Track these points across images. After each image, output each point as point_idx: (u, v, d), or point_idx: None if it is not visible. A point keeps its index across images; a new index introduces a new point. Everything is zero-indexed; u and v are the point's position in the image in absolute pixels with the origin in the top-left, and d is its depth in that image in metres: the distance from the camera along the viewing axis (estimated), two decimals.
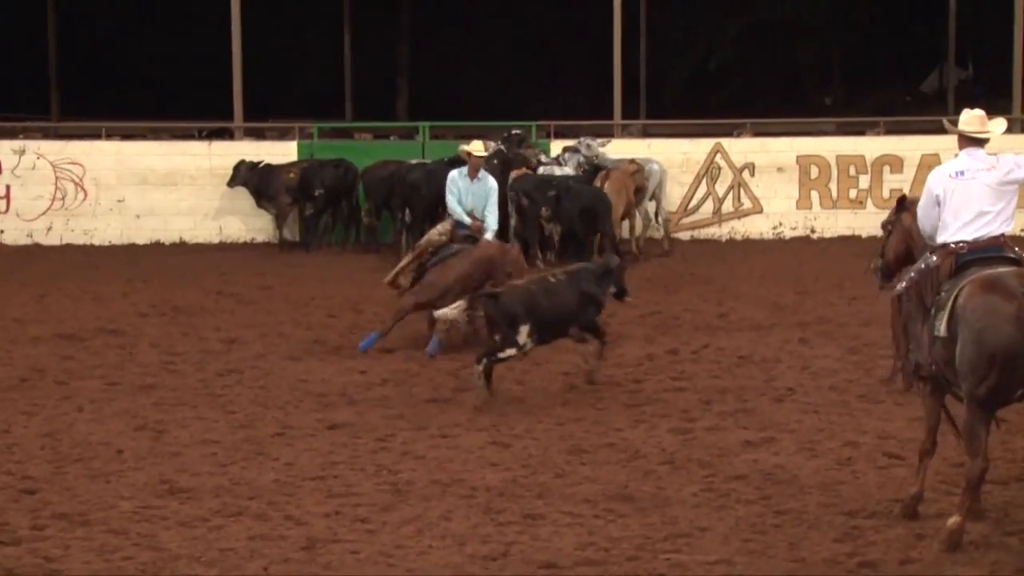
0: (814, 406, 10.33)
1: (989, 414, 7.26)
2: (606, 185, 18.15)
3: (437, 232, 12.85)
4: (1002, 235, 7.53)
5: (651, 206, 19.54)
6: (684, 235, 20.40)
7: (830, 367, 11.64)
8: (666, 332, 13.37)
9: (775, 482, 8.41)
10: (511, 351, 10.67)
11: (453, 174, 13.06)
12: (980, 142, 7.74)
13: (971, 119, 7.77)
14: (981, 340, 7.08)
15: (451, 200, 12.98)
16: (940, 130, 25.40)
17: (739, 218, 20.78)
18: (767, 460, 8.86)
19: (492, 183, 13.16)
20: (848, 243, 19.93)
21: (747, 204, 20.82)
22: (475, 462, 8.96)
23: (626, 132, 21.88)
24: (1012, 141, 20.98)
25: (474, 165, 13.00)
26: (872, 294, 15.03)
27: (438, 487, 8.40)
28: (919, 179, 20.43)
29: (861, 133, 22.13)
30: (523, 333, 10.66)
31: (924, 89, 39.76)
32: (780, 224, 20.78)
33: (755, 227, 20.82)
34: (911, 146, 20.77)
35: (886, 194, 20.57)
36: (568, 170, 18.77)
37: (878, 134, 21.76)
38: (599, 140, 19.67)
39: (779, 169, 20.71)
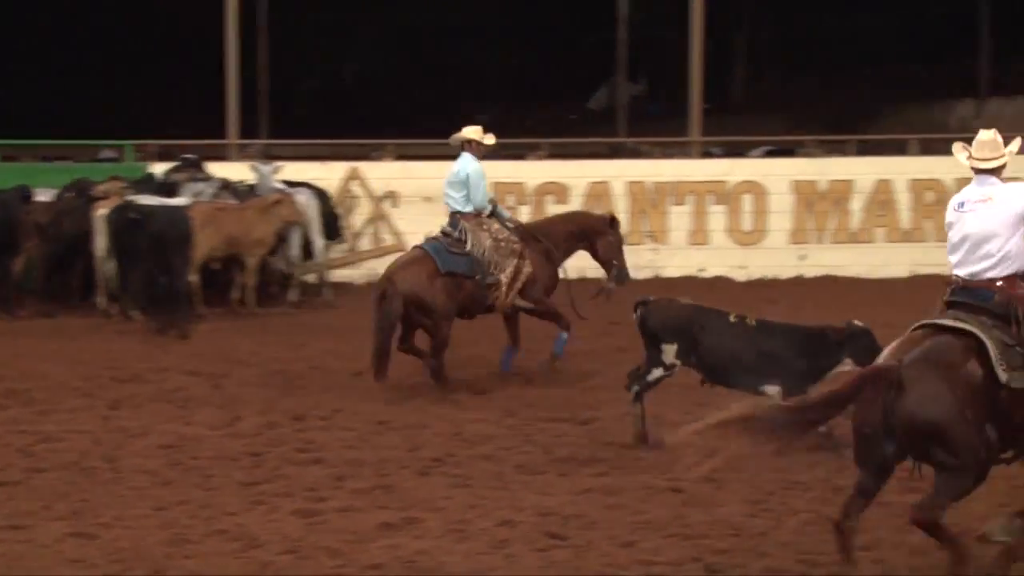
0: (465, 479, 10.53)
1: (862, 475, 7.76)
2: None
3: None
4: (997, 278, 7.84)
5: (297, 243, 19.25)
6: (313, 277, 20.36)
7: (484, 432, 11.91)
8: (290, 394, 13.41)
9: (418, 571, 8.53)
10: (658, 372, 11.35)
11: (479, 165, 14.24)
12: (992, 170, 8.07)
13: (980, 146, 8.12)
14: None
15: (484, 192, 14.43)
16: (610, 154, 26.36)
17: (379, 257, 20.91)
18: (409, 545, 8.97)
19: None
20: None
21: (389, 240, 21.08)
22: (52, 558, 8.77)
23: (244, 153, 21.83)
24: (687, 167, 22.08)
25: (483, 152, 14.52)
26: (534, 348, 15.48)
27: None
28: (588, 210, 21.15)
29: (520, 157, 22.72)
30: (669, 353, 11.28)
31: (592, 106, 41.19)
32: None
33: None
34: (577, 172, 21.47)
35: None
36: (183, 200, 18.44)
37: (540, 158, 22.43)
38: (274, 165, 19.51)
39: (427, 199, 20.94)
